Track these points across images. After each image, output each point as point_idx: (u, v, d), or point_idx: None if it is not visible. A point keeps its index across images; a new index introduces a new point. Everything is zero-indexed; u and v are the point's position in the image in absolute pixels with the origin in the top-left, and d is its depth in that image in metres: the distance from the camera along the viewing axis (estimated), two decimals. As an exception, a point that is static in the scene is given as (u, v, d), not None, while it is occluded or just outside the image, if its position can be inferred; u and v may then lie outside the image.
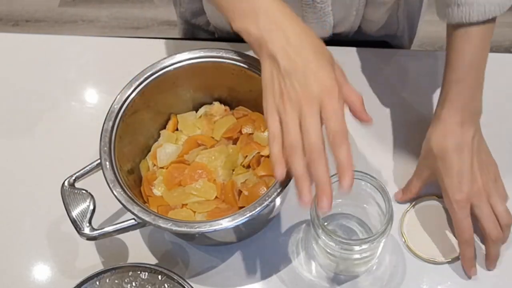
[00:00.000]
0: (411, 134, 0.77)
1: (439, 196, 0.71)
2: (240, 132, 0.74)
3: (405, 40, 0.93)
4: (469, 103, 0.65)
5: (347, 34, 0.88)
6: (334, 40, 0.87)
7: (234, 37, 0.86)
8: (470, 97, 0.65)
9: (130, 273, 0.65)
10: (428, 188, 0.71)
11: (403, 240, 0.70)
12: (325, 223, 0.57)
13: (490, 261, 0.66)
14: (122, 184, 0.64)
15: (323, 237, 0.59)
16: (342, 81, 0.57)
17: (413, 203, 0.72)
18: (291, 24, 0.57)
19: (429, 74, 0.82)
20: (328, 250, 0.62)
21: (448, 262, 0.68)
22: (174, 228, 0.60)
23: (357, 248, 0.59)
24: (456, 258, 0.68)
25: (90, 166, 0.66)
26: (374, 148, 0.77)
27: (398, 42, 0.92)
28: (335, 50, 0.85)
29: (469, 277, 0.66)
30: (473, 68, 0.64)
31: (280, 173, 0.55)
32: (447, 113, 0.65)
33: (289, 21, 0.57)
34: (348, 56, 0.85)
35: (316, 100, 0.54)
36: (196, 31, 0.95)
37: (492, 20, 0.62)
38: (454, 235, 0.68)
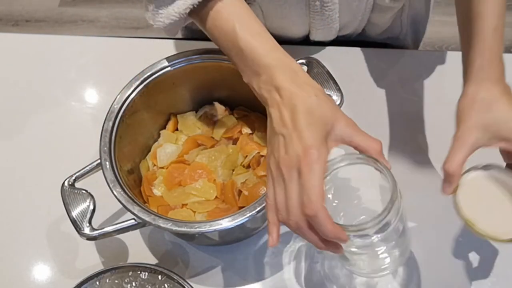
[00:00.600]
0: (413, 134, 0.77)
1: (479, 167, 0.61)
2: (240, 132, 0.74)
3: (408, 43, 0.93)
4: (502, 53, 0.61)
5: (350, 36, 0.89)
6: (336, 40, 0.87)
7: None
8: (502, 47, 0.61)
9: (130, 273, 0.65)
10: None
11: (468, 227, 0.58)
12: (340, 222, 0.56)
13: None
14: (122, 184, 0.64)
15: None
16: (351, 132, 0.56)
17: (465, 173, 0.61)
18: (290, 85, 0.56)
19: (429, 74, 0.82)
20: (346, 249, 0.60)
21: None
22: (174, 228, 0.60)
23: (371, 231, 0.54)
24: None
25: (90, 166, 0.66)
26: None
27: (401, 44, 0.93)
28: (338, 51, 0.87)
29: None
30: (502, 16, 0.61)
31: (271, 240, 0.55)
32: (490, 63, 0.60)
33: (288, 82, 0.56)
34: (350, 57, 0.85)
35: (294, 165, 0.53)
36: (195, 35, 0.96)
37: None
38: None
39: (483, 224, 0.57)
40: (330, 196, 0.62)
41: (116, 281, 0.65)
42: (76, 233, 0.62)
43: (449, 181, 0.58)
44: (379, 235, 0.56)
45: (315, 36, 0.85)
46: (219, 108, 0.77)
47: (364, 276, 0.68)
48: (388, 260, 0.62)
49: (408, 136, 0.77)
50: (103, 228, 0.62)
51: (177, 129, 0.77)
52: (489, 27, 0.61)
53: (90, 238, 0.62)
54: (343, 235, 0.52)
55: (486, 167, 0.60)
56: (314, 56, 0.72)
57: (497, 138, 0.59)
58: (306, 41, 0.91)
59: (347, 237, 0.52)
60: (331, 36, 0.85)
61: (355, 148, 0.56)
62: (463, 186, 0.60)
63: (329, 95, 0.68)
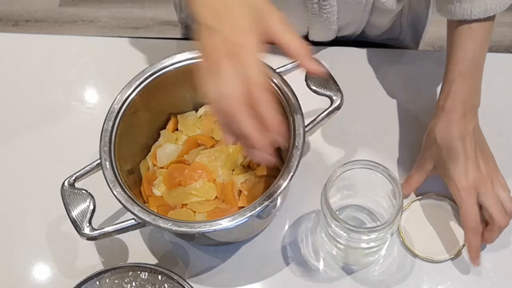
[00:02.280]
0: (412, 133, 0.77)
1: (437, 195, 0.71)
2: (240, 132, 0.74)
3: (407, 43, 0.93)
4: (471, 95, 0.67)
5: (350, 36, 0.89)
6: (335, 40, 0.87)
7: None
8: (472, 89, 0.67)
9: (130, 273, 0.65)
10: (424, 187, 0.71)
11: (400, 238, 0.70)
12: (336, 212, 0.58)
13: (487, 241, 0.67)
14: (122, 184, 0.64)
15: (333, 226, 0.59)
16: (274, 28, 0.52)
17: (411, 201, 0.72)
18: None
19: (429, 74, 0.82)
20: (337, 239, 0.62)
21: (446, 261, 0.68)
22: (174, 228, 0.60)
23: (365, 237, 0.59)
24: (454, 257, 0.68)
25: (90, 166, 0.66)
26: (375, 146, 0.77)
27: (401, 45, 0.93)
28: (338, 51, 0.86)
29: (476, 265, 0.66)
30: (474, 62, 0.66)
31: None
32: (451, 105, 0.66)
33: None
34: (350, 57, 0.85)
35: (229, 49, 0.49)
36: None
37: (493, 17, 0.64)
38: (451, 234, 0.69)
39: (420, 247, 0.69)
40: (338, 192, 0.63)
41: (116, 281, 0.65)
42: (76, 233, 0.62)
43: (405, 191, 0.71)
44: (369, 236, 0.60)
45: (314, 37, 0.85)
46: (219, 108, 0.77)
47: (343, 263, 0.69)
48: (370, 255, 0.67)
49: (408, 136, 0.77)
50: (103, 228, 0.62)
51: (177, 129, 0.77)
52: (455, 74, 0.66)
53: (90, 238, 0.62)
54: (283, 128, 0.49)
55: (424, 196, 0.72)
56: (314, 56, 0.72)
57: (437, 170, 0.69)
58: (306, 41, 0.91)
59: (286, 132, 0.50)
60: (330, 37, 0.85)
61: (281, 46, 0.52)
62: (404, 213, 0.70)
63: (329, 95, 0.68)
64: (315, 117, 0.67)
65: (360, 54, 0.85)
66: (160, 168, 0.73)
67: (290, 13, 0.78)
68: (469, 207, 0.65)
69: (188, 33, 0.96)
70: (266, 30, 0.52)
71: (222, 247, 0.71)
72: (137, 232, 0.72)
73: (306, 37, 0.86)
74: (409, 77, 0.83)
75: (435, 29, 0.94)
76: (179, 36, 1.00)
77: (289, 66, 0.70)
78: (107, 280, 0.65)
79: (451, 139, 0.66)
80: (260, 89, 0.48)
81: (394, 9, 0.81)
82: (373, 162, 0.60)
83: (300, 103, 0.66)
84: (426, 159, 0.69)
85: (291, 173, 0.61)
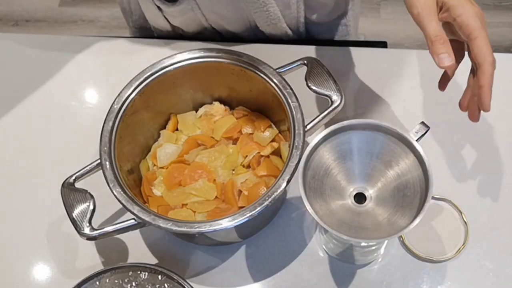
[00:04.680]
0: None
1: (437, 195, 0.71)
2: (240, 132, 0.74)
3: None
4: None
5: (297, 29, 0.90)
6: (336, 41, 0.87)
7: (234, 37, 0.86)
8: None
9: (130, 273, 0.65)
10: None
11: (400, 238, 0.70)
12: None
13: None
14: (122, 184, 0.64)
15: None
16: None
17: None
18: None
19: (429, 73, 0.82)
20: (337, 238, 0.62)
21: (446, 261, 0.68)
22: (174, 228, 0.60)
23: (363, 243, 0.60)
24: (454, 257, 0.68)
25: (90, 166, 0.66)
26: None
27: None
28: (338, 51, 0.87)
29: (484, 109, 0.61)
30: None
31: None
32: None
33: None
34: (350, 57, 0.85)
35: None
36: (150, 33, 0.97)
37: None
38: (451, 234, 0.69)
39: (420, 247, 0.69)
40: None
41: (116, 281, 0.65)
42: (76, 233, 0.62)
43: (438, 46, 0.59)
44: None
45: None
46: (219, 108, 0.77)
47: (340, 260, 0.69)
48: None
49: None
50: (103, 228, 0.62)
51: (177, 129, 0.77)
52: None
53: (90, 238, 0.62)
54: None
55: None
56: (314, 56, 0.72)
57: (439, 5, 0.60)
58: (307, 41, 0.91)
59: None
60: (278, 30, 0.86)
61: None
62: None
63: (329, 95, 0.68)
64: (315, 117, 0.67)
65: (360, 54, 0.85)
66: (160, 168, 0.73)
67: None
68: (487, 34, 0.59)
69: (141, 33, 0.97)
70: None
71: (222, 247, 0.71)
72: (137, 232, 0.72)
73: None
74: (409, 77, 0.83)
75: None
76: (179, 36, 1.00)
77: (289, 66, 0.71)
78: (107, 280, 0.65)
79: None
80: None
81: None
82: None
83: (300, 103, 0.66)
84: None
85: (291, 173, 0.61)
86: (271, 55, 0.75)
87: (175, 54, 0.71)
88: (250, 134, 0.74)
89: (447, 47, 0.58)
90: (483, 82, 0.58)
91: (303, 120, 0.65)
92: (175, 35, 0.92)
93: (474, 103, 0.61)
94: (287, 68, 0.70)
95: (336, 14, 0.91)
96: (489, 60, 0.58)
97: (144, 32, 0.97)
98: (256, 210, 0.59)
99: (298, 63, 0.71)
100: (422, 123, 0.60)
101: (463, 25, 0.58)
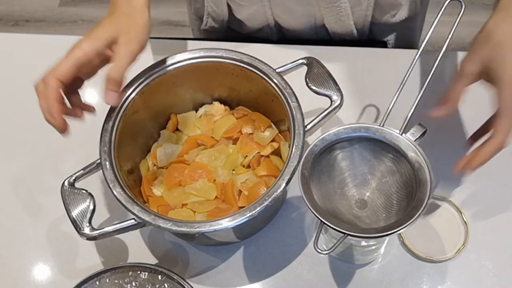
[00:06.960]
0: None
1: (437, 195, 0.71)
2: (240, 132, 0.74)
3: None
4: None
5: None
6: (336, 41, 0.87)
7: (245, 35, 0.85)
8: None
9: (130, 273, 0.65)
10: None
11: (400, 238, 0.70)
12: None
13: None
14: (122, 184, 0.64)
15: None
16: None
17: None
18: None
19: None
20: (337, 238, 0.62)
21: (446, 261, 0.68)
22: (174, 228, 0.60)
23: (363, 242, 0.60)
24: (454, 257, 0.68)
25: (90, 166, 0.66)
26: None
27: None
28: (338, 51, 0.86)
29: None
30: None
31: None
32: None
33: None
34: (350, 57, 0.85)
35: None
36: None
37: None
38: (451, 234, 0.69)
39: (420, 247, 0.69)
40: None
41: (116, 281, 0.65)
42: (76, 233, 0.62)
43: (447, 104, 0.63)
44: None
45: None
46: (219, 108, 0.77)
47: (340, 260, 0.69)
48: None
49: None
50: (103, 228, 0.62)
51: (177, 129, 0.77)
52: None
53: (90, 238, 0.62)
54: None
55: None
56: (314, 56, 0.72)
57: (484, 74, 0.60)
58: (307, 40, 0.91)
59: None
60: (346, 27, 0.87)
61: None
62: None
63: (329, 95, 0.68)
64: (315, 117, 0.67)
65: (360, 54, 0.85)
66: (160, 168, 0.73)
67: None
68: None
69: (199, 25, 0.96)
70: None
71: (222, 247, 0.71)
72: (137, 232, 0.72)
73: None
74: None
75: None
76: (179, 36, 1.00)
77: (289, 66, 0.71)
78: (107, 280, 0.65)
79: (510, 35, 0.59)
80: None
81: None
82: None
83: (300, 103, 0.66)
84: (475, 61, 0.61)
85: (291, 173, 0.61)
86: (271, 55, 0.75)
87: (175, 54, 0.71)
88: (250, 134, 0.74)
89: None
90: (484, 151, 0.60)
91: (303, 120, 0.65)
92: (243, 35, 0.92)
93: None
94: (287, 68, 0.70)
95: (403, 15, 0.90)
96: (500, 138, 0.59)
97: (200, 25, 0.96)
98: (256, 210, 0.59)
99: (298, 63, 0.71)
100: (420, 124, 0.60)
101: (501, 99, 0.59)
